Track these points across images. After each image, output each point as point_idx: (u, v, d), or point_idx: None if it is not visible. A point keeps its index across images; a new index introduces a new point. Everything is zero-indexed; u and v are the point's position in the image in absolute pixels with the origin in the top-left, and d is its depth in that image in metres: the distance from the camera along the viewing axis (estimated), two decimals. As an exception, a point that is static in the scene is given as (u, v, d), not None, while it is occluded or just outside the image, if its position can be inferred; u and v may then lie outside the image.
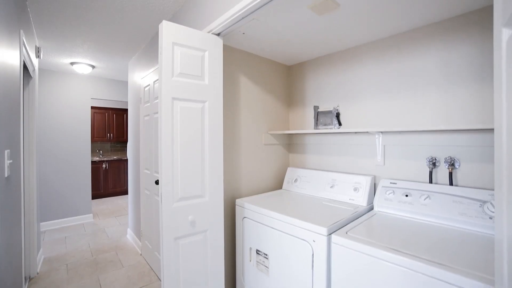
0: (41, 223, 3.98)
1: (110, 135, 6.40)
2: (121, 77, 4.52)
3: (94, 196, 5.90)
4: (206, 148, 1.70)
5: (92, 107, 6.12)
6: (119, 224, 4.25)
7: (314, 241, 1.41)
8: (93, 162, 5.85)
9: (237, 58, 2.17)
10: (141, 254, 3.12)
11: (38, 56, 2.81)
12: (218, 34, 1.77)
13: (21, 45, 1.86)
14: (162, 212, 1.52)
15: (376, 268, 1.17)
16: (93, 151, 6.50)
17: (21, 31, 1.83)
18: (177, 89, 1.58)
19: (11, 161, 1.34)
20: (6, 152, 1.30)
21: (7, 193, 1.35)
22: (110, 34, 2.67)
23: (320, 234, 1.38)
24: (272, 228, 1.67)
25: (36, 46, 2.76)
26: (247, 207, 1.88)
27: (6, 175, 1.29)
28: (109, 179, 6.06)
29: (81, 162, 4.32)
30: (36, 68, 2.75)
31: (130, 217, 3.70)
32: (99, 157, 6.28)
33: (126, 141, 6.82)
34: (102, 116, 6.29)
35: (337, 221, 1.47)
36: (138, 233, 3.33)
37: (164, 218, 1.52)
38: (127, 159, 6.25)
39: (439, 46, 1.63)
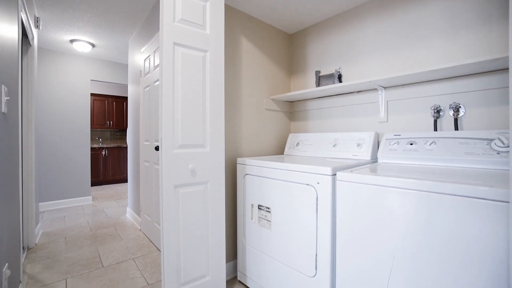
0: (40, 203, 3.94)
1: (110, 122, 6.37)
2: (121, 59, 4.50)
3: (94, 183, 5.86)
4: (207, 98, 1.67)
5: (92, 94, 6.09)
6: (118, 206, 4.21)
7: (318, 183, 1.38)
8: (92, 149, 5.81)
9: (239, 21, 2.14)
10: (140, 230, 3.09)
11: (37, 27, 2.78)
12: (220, -14, 1.75)
13: (20, -1, 1.83)
14: (162, 158, 1.49)
15: (383, 196, 1.14)
16: (92, 139, 6.46)
17: (20, -16, 1.80)
18: (178, 35, 1.55)
19: (8, 98, 1.30)
20: (3, 87, 1.27)
21: (4, 130, 1.32)
22: (110, 1, 2.64)
23: (324, 174, 1.35)
24: (275, 179, 1.64)
25: (35, 16, 2.73)
26: (249, 163, 1.85)
27: (3, 110, 1.26)
28: (108, 166, 6.02)
29: (81, 143, 4.28)
30: (35, 37, 2.72)
31: (129, 196, 3.67)
32: (99, 144, 6.24)
33: (125, 129, 6.78)
34: (102, 103, 6.26)
35: (341, 165, 1.44)
36: (137, 210, 3.29)
37: (164, 164, 1.49)
38: (126, 147, 6.22)
39: (444, -8, 1.60)
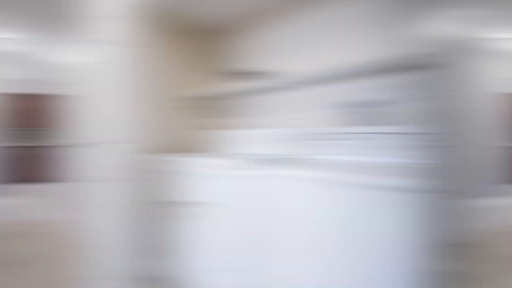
0: None
1: (31, 122, 5.81)
2: (43, 57, 4.03)
3: (16, 182, 5.23)
4: (125, 95, 1.67)
5: (7, 93, 5.51)
6: (42, 204, 3.86)
7: (229, 178, 1.45)
8: (13, 148, 5.20)
9: (157, 16, 2.00)
10: (64, 227, 2.89)
11: None
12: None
13: None
14: (80, 154, 1.56)
15: (293, 189, 1.19)
16: (14, 138, 5.78)
17: None
18: (98, 30, 1.57)
19: None
20: None
21: None
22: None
23: (235, 169, 1.43)
24: (192, 174, 1.66)
25: None
26: (166, 160, 1.83)
27: None
28: (31, 166, 5.41)
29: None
30: None
31: (54, 194, 3.60)
32: (20, 143, 5.65)
33: (44, 128, 6.21)
34: (24, 102, 5.70)
35: (255, 160, 1.49)
36: (62, 208, 3.08)
37: (83, 160, 1.55)
38: (45, 146, 5.69)
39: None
